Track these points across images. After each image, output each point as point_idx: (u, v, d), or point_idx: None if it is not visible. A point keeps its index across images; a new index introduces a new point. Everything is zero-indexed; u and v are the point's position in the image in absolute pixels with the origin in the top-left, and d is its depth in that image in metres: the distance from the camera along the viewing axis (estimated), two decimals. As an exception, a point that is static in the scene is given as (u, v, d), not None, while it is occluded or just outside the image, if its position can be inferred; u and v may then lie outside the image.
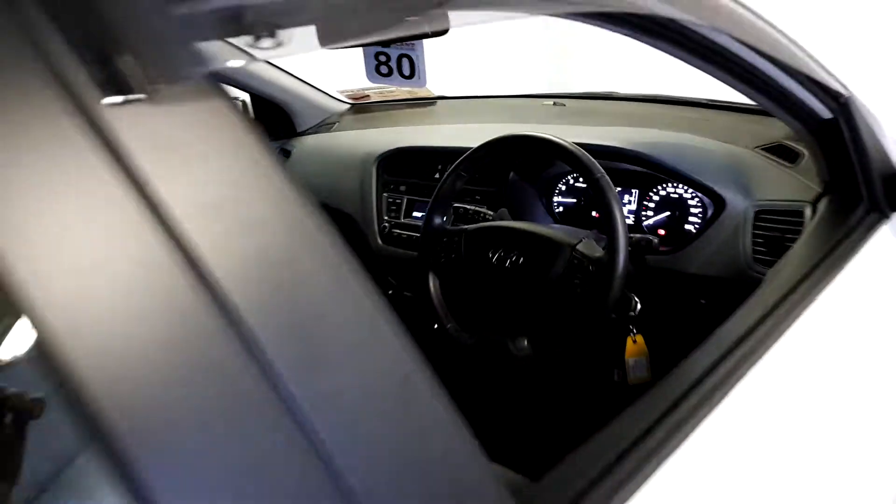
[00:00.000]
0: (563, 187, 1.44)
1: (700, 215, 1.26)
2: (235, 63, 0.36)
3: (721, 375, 0.63)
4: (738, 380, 0.63)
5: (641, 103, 1.61)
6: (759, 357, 0.67)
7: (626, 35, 0.81)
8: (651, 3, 0.72)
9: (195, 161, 0.32)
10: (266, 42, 0.37)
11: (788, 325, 0.73)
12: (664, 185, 1.31)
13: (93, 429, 0.27)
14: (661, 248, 1.23)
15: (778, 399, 0.68)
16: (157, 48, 0.32)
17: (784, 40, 0.89)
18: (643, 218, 1.33)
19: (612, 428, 0.56)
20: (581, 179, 1.39)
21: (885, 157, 1.04)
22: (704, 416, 0.58)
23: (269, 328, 0.33)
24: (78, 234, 0.29)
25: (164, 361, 0.29)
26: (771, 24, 0.87)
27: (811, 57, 0.93)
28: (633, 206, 1.34)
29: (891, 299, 0.97)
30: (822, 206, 1.07)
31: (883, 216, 1.04)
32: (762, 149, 1.25)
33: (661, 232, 1.31)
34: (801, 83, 0.94)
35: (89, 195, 0.30)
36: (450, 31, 0.57)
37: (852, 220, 1.01)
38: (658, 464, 0.53)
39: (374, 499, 0.34)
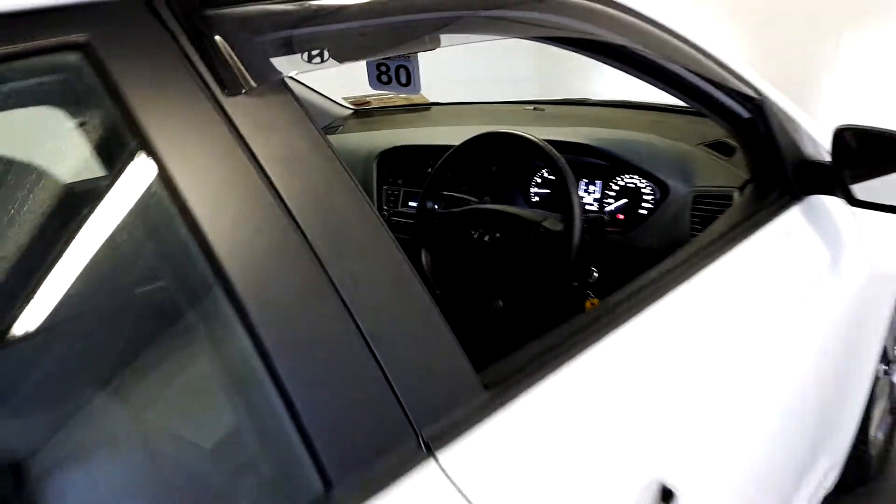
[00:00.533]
0: (539, 179, 1.67)
1: (651, 201, 1.49)
2: (294, 72, 0.59)
3: (630, 306, 0.85)
4: (641, 311, 0.85)
5: (609, 108, 1.85)
6: (662, 296, 0.89)
7: (589, 57, 1.05)
8: (603, 32, 0.96)
9: (279, 132, 0.55)
10: (314, 58, 0.59)
11: (691, 275, 0.95)
12: (622, 177, 1.54)
13: None
14: (617, 228, 1.46)
15: (672, 330, 0.89)
16: (253, 61, 0.55)
17: (706, 59, 1.11)
18: (605, 205, 1.56)
19: (543, 339, 0.77)
20: (552, 172, 1.62)
21: (796, 148, 1.26)
22: (608, 333, 0.80)
23: (327, 249, 0.55)
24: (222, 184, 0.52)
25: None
26: (697, 46, 1.10)
27: (729, 70, 1.16)
28: (598, 195, 1.57)
29: (785, 263, 1.18)
30: (747, 190, 1.30)
31: (795, 199, 1.26)
32: (705, 145, 1.48)
33: (620, 216, 1.54)
34: (722, 90, 1.17)
35: (222, 155, 0.52)
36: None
37: (768, 202, 1.23)
38: (567, 360, 0.73)
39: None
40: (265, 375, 0.51)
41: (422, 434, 0.58)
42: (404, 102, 2.19)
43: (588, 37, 0.96)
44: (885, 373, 1.83)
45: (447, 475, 0.59)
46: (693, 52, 1.08)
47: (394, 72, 1.17)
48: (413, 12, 0.73)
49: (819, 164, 1.24)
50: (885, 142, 1.16)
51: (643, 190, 1.50)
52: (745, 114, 1.22)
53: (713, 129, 1.52)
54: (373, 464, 0.55)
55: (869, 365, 1.51)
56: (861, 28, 3.32)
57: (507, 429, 0.64)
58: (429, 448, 0.59)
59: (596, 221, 1.33)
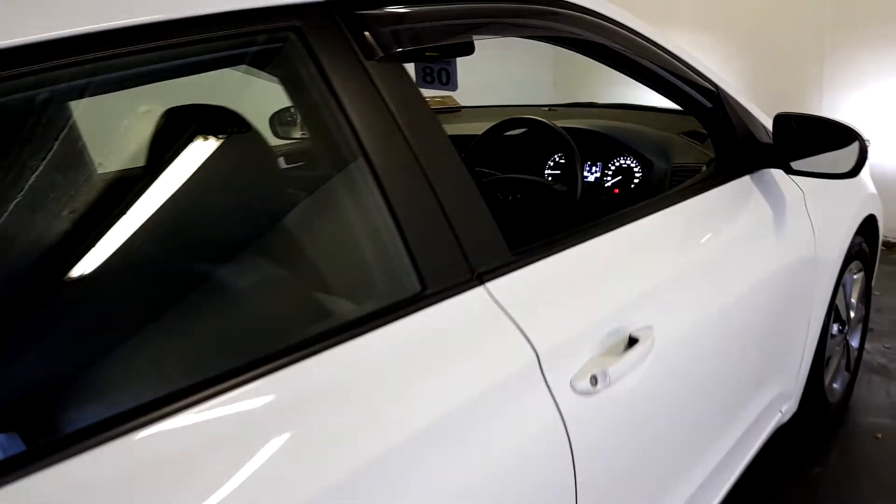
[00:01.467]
0: (551, 163, 2.06)
1: (639, 176, 1.87)
2: (400, 49, 0.98)
3: (617, 221, 1.23)
4: (624, 224, 1.23)
5: (611, 108, 2.24)
6: (642, 217, 1.27)
7: (597, 61, 1.44)
8: (606, 41, 1.34)
9: (394, 80, 0.95)
10: (412, 42, 0.99)
11: (664, 208, 1.33)
12: (617, 160, 1.93)
13: None
14: (614, 192, 1.84)
15: (646, 237, 1.27)
16: (380, 40, 0.94)
17: (677, 62, 1.50)
18: (605, 181, 1.95)
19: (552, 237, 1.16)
20: (561, 151, 2.01)
21: (747, 131, 1.64)
22: (601, 234, 1.18)
23: (421, 149, 0.95)
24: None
25: None
26: (671, 52, 1.49)
27: (693, 69, 1.54)
28: (598, 174, 1.96)
29: (735, 212, 1.54)
30: (712, 165, 1.68)
31: (748, 171, 1.63)
32: (683, 133, 1.87)
33: (616, 191, 1.93)
34: (691, 86, 1.56)
35: (364, 90, 0.92)
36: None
37: (726, 172, 1.61)
38: (562, 250, 1.11)
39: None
40: (390, 219, 0.90)
41: (476, 270, 0.97)
42: (440, 106, 2.60)
43: (596, 41, 1.35)
44: (840, 331, 2.19)
45: (491, 295, 0.97)
46: (668, 57, 1.47)
47: (437, 73, 1.58)
48: (470, 16, 1.13)
49: (765, 144, 1.62)
50: (811, 123, 1.54)
51: (633, 169, 1.89)
52: (707, 104, 1.60)
53: (691, 123, 1.92)
54: (447, 282, 0.94)
55: (815, 310, 1.86)
56: (842, 54, 3.70)
57: (523, 277, 1.02)
58: (480, 278, 0.97)
59: (593, 185, 1.72)
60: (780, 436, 2.09)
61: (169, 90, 0.96)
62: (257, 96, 1.26)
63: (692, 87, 1.55)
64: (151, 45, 0.75)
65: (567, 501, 1.00)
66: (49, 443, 0.62)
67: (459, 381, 0.89)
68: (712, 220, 1.46)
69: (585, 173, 1.96)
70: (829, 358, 2.14)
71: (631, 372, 1.08)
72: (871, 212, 2.18)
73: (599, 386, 1.02)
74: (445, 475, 0.84)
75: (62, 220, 0.93)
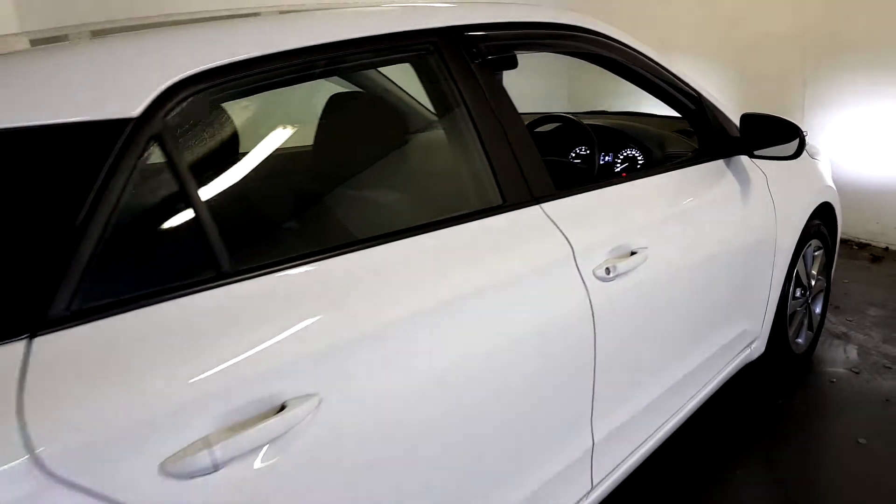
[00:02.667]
0: (573, 154, 2.63)
1: (641, 161, 2.44)
2: (491, 57, 1.55)
3: (616, 181, 1.80)
4: (625, 182, 1.80)
5: (620, 115, 2.82)
6: (637, 179, 1.84)
7: (615, 74, 2.02)
8: (617, 57, 1.92)
9: (489, 78, 1.53)
10: (497, 54, 1.56)
11: (654, 174, 1.90)
12: (624, 151, 2.50)
13: None
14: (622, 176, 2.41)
15: (640, 190, 1.84)
16: (479, 52, 1.52)
17: (666, 72, 2.07)
18: (616, 166, 2.52)
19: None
20: (585, 145, 2.57)
21: (721, 126, 2.19)
22: (609, 186, 1.75)
23: (504, 116, 1.53)
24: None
25: None
26: (661, 64, 2.06)
27: (679, 79, 2.11)
28: (610, 159, 2.53)
29: (710, 182, 2.10)
30: (696, 154, 2.24)
31: (723, 157, 2.19)
32: (676, 131, 2.44)
33: (624, 175, 2.49)
34: (679, 92, 2.13)
35: (470, 84, 1.50)
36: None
37: (704, 156, 2.17)
38: (588, 191, 1.68)
39: None
40: (486, 162, 1.47)
41: (534, 195, 1.53)
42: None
43: (611, 58, 1.92)
44: (802, 294, 2.73)
45: (544, 211, 1.53)
46: (664, 70, 2.05)
47: None
48: (527, 38, 1.70)
49: (734, 137, 2.18)
50: (767, 120, 2.11)
51: (637, 156, 2.46)
52: (692, 106, 2.17)
53: (681, 124, 2.49)
54: (516, 200, 1.50)
55: (776, 272, 2.41)
56: (822, 79, 4.28)
57: (564, 203, 1.58)
58: (536, 200, 1.53)
59: (605, 168, 2.29)
60: (754, 374, 2.63)
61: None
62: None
63: (680, 94, 2.12)
64: (362, 49, 1.33)
65: (589, 350, 1.55)
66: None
67: (524, 258, 1.45)
68: (694, 187, 2.03)
69: (600, 158, 2.53)
70: (793, 314, 2.68)
71: (631, 272, 1.64)
72: (827, 200, 2.73)
73: (611, 275, 1.57)
74: (511, 321, 1.38)
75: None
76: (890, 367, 2.79)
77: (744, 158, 2.24)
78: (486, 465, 1.38)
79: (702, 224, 1.99)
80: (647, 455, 1.92)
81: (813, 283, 2.80)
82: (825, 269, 2.91)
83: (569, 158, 2.60)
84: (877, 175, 4.14)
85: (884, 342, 3.01)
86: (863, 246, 4.22)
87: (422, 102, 2.02)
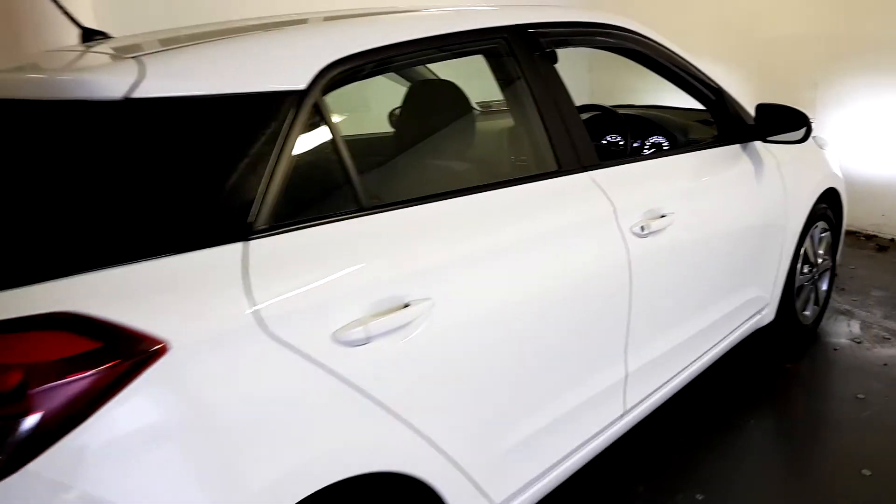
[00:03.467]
0: (605, 141, 2.97)
1: (666, 146, 2.78)
2: (543, 52, 1.89)
3: (647, 157, 2.13)
4: (650, 159, 2.14)
5: (645, 108, 3.16)
6: (659, 157, 2.17)
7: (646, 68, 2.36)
8: (641, 49, 2.26)
9: (546, 68, 1.87)
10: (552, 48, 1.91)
11: (680, 153, 2.24)
12: (651, 137, 2.84)
13: None
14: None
15: (667, 166, 2.18)
16: (538, 43, 1.87)
17: (693, 69, 2.41)
18: (643, 150, 2.85)
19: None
20: (617, 131, 2.90)
21: (738, 115, 2.52)
22: (639, 161, 2.09)
23: (565, 99, 1.88)
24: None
25: None
26: (687, 61, 2.40)
27: (702, 73, 2.45)
28: (638, 144, 2.87)
29: (727, 163, 2.43)
30: (715, 138, 2.57)
31: (738, 142, 2.52)
32: (698, 120, 2.77)
33: (654, 153, 2.82)
34: (702, 85, 2.46)
35: (517, 77, 1.84)
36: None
37: (723, 141, 2.50)
38: (626, 163, 2.02)
39: None
40: (546, 135, 1.81)
41: (583, 164, 1.87)
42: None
43: (644, 53, 2.26)
44: (809, 271, 3.04)
45: (591, 177, 1.87)
46: (689, 65, 2.38)
47: None
48: (574, 35, 2.05)
49: (750, 125, 2.51)
50: (779, 109, 2.43)
51: (662, 142, 2.79)
52: (713, 98, 2.50)
53: (701, 115, 2.82)
54: (568, 167, 1.84)
55: (785, 246, 2.73)
56: (833, 80, 4.59)
57: (608, 171, 1.92)
58: (584, 168, 1.87)
59: (635, 150, 2.63)
60: (764, 342, 2.95)
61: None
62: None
63: (703, 86, 2.45)
64: (458, 41, 1.68)
65: (626, 293, 1.88)
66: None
67: (578, 213, 1.79)
68: (714, 166, 2.36)
69: (631, 143, 2.87)
70: (800, 288, 2.99)
71: (661, 231, 1.97)
72: (833, 186, 3.04)
73: (645, 232, 1.91)
74: (565, 262, 1.71)
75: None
76: (889, 339, 3.11)
77: (758, 144, 2.57)
78: (544, 375, 1.72)
79: (720, 197, 2.33)
80: (671, 395, 2.25)
81: (819, 261, 3.11)
82: (831, 249, 3.22)
83: (604, 142, 2.95)
84: (884, 170, 4.44)
85: (885, 318, 3.31)
86: (870, 237, 4.52)
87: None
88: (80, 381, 0.99)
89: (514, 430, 1.66)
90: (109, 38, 1.77)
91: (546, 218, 1.71)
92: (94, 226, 1.12)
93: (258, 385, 1.16)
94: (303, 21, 1.68)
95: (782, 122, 2.47)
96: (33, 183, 1.17)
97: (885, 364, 2.88)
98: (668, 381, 2.20)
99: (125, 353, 1.03)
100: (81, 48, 1.66)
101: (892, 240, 4.45)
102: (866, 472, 2.22)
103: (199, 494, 1.10)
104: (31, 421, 0.97)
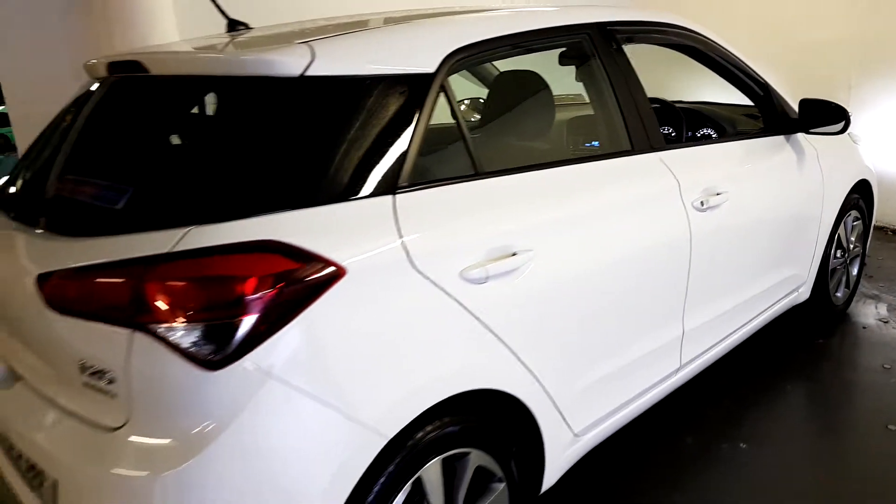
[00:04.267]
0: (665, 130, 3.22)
1: (716, 137, 3.03)
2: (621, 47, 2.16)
3: (707, 141, 2.40)
4: (709, 144, 2.40)
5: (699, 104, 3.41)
6: (715, 143, 2.43)
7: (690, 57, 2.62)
8: (697, 45, 2.52)
9: (622, 59, 2.14)
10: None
11: (733, 140, 2.49)
12: (702, 129, 3.09)
13: None
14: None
15: (718, 152, 2.44)
16: (615, 38, 2.13)
17: (745, 66, 2.66)
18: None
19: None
20: (672, 122, 3.16)
21: (783, 109, 2.77)
22: (694, 146, 2.35)
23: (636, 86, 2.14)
24: None
25: None
26: (739, 58, 2.65)
27: (752, 70, 2.70)
28: (690, 136, 3.12)
29: (773, 151, 2.69)
30: (761, 130, 2.82)
31: (782, 133, 2.77)
32: (744, 114, 3.02)
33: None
34: (751, 80, 2.71)
35: (594, 64, 2.11)
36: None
37: (769, 132, 2.75)
38: (686, 147, 2.28)
39: None
40: (620, 115, 2.08)
41: (652, 145, 2.14)
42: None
43: (700, 50, 2.52)
44: (842, 255, 3.28)
45: (659, 157, 2.13)
46: (741, 62, 2.64)
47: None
48: (639, 32, 2.31)
49: (794, 118, 2.76)
50: (820, 104, 2.68)
51: (712, 133, 3.04)
52: (761, 93, 2.75)
53: (747, 110, 3.07)
54: (639, 148, 2.11)
55: (822, 229, 2.97)
56: (866, 83, 4.80)
57: (673, 152, 2.18)
58: (653, 149, 2.13)
59: (689, 139, 2.89)
60: (799, 319, 3.19)
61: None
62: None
63: (752, 81, 2.71)
64: (554, 34, 1.96)
65: (686, 259, 2.15)
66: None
67: (648, 186, 2.06)
68: (762, 153, 2.62)
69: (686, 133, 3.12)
70: (833, 270, 3.23)
71: (717, 207, 2.23)
72: (865, 177, 3.28)
73: (704, 207, 2.17)
74: (638, 229, 1.98)
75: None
76: (914, 320, 3.34)
77: (800, 135, 2.82)
78: (617, 325, 1.99)
79: (767, 181, 2.58)
80: (718, 358, 2.51)
81: (851, 247, 3.35)
82: (861, 237, 3.45)
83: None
84: (912, 168, 4.66)
85: (911, 303, 3.55)
86: (895, 232, 4.74)
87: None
88: (284, 292, 1.28)
89: (590, 371, 1.92)
90: (250, 28, 2.06)
91: (623, 189, 1.98)
92: (288, 177, 1.40)
93: (404, 307, 1.44)
94: (419, 16, 1.95)
95: (823, 115, 2.71)
96: (241, 145, 1.45)
97: (911, 342, 3.12)
98: (716, 344, 2.46)
99: (316, 273, 1.31)
100: (228, 36, 1.95)
101: (919, 234, 4.67)
102: (892, 427, 2.46)
103: (360, 385, 1.37)
104: (248, 322, 1.25)
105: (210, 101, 1.68)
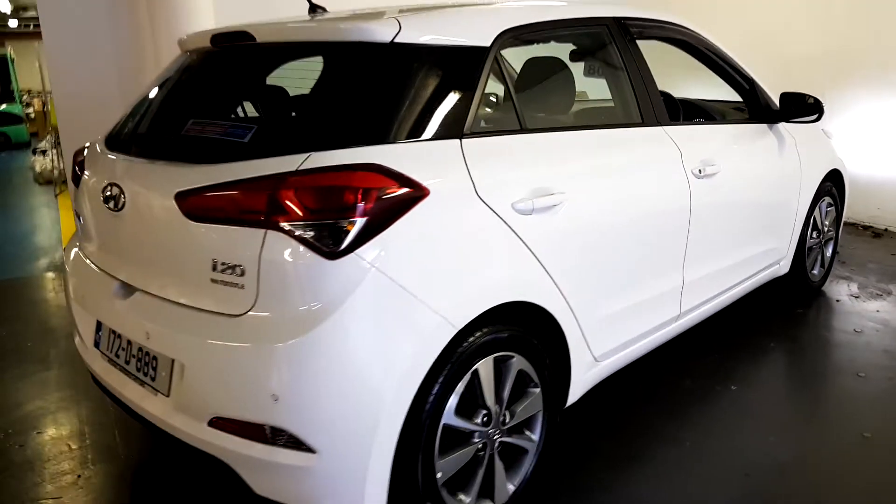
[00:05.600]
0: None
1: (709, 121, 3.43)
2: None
3: (702, 124, 2.79)
4: (704, 125, 2.80)
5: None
6: (706, 125, 2.83)
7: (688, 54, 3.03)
8: (690, 41, 2.93)
9: (635, 49, 2.54)
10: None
11: (719, 125, 2.90)
12: (697, 117, 3.49)
13: None
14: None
15: (706, 133, 2.84)
16: (629, 30, 2.53)
17: (733, 61, 3.08)
18: (686, 133, 3.51)
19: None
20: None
21: (766, 102, 3.18)
22: (685, 125, 2.75)
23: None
24: None
25: None
26: (727, 55, 3.07)
27: (739, 66, 3.11)
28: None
29: (755, 137, 3.09)
30: (749, 120, 3.23)
31: (765, 122, 3.18)
32: (732, 107, 3.44)
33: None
34: (738, 75, 3.13)
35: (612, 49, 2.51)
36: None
37: (754, 122, 3.16)
38: (686, 125, 2.68)
39: None
40: (634, 98, 2.47)
41: (659, 122, 2.53)
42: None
43: (692, 45, 2.93)
44: (817, 236, 3.69)
45: (665, 130, 2.53)
46: (730, 58, 3.05)
47: (597, 69, 3.15)
48: (646, 28, 2.72)
49: (775, 109, 3.17)
50: (798, 97, 3.10)
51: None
52: (747, 87, 3.16)
53: (733, 104, 3.49)
54: (647, 122, 2.50)
55: (799, 209, 3.38)
56: (837, 92, 5.27)
57: (675, 128, 2.57)
58: (659, 123, 2.53)
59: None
60: (780, 292, 3.59)
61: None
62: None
63: (740, 76, 3.12)
64: (582, 23, 2.35)
65: (686, 218, 2.53)
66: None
67: (655, 153, 2.44)
68: (749, 136, 3.03)
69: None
70: (810, 249, 3.64)
71: (713, 176, 2.62)
72: (837, 167, 3.70)
73: (701, 174, 2.56)
74: (648, 187, 2.36)
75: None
76: (881, 295, 3.76)
77: (781, 126, 3.23)
78: (632, 266, 2.35)
79: (753, 160, 2.99)
80: (710, 314, 2.88)
81: (825, 230, 3.76)
82: (835, 223, 3.87)
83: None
84: (880, 170, 5.12)
85: (878, 282, 3.97)
86: (867, 227, 5.19)
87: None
88: (384, 203, 1.63)
89: (609, 303, 2.29)
90: (327, 11, 2.42)
91: (636, 151, 2.37)
92: (380, 119, 1.75)
93: (471, 226, 1.80)
94: (475, 4, 2.33)
95: (801, 106, 3.13)
96: (345, 93, 1.81)
97: (878, 311, 3.53)
98: (709, 300, 2.84)
99: (408, 191, 1.67)
100: (309, 18, 2.31)
101: (886, 229, 5.12)
102: (861, 374, 2.85)
103: (437, 284, 1.71)
104: (358, 223, 1.60)
105: (305, 66, 2.04)
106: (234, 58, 2.13)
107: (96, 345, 2.14)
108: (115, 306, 2.00)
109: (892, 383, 2.78)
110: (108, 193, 1.97)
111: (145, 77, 4.64)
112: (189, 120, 1.98)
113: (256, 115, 2.24)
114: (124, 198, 1.92)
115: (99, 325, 2.12)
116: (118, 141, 2.18)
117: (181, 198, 1.74)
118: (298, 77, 2.18)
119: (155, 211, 1.85)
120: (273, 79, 2.27)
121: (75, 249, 2.34)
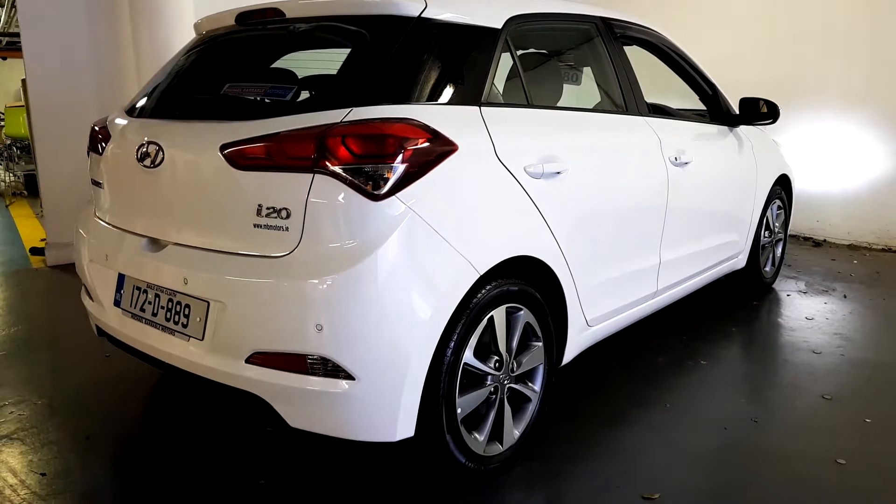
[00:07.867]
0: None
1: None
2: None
3: (672, 119, 3.08)
4: (674, 120, 3.08)
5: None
6: (677, 120, 3.13)
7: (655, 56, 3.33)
8: (659, 44, 3.23)
9: (618, 48, 2.81)
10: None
11: (683, 120, 3.19)
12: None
13: None
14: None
15: (670, 127, 3.13)
16: (613, 31, 2.80)
17: (698, 67, 3.39)
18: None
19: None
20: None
21: (727, 108, 3.51)
22: (670, 119, 3.03)
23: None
24: None
25: None
26: (693, 61, 3.38)
27: (703, 73, 3.43)
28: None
29: (714, 137, 3.41)
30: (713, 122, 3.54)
31: (726, 125, 3.50)
32: (695, 114, 3.76)
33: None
34: (703, 80, 3.44)
35: (601, 49, 2.78)
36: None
37: (717, 123, 3.47)
38: (662, 118, 2.96)
39: None
40: (619, 89, 2.73)
41: (642, 114, 2.79)
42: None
43: (661, 48, 3.23)
44: (769, 236, 4.02)
45: (646, 121, 2.79)
46: (696, 65, 3.36)
47: (572, 75, 3.43)
48: (625, 30, 3.00)
49: (735, 114, 3.50)
50: (756, 102, 3.43)
51: (670, 127, 3.75)
52: (710, 93, 3.48)
53: (702, 111, 3.81)
54: (633, 112, 2.76)
55: (755, 208, 3.70)
56: (784, 112, 5.71)
57: (655, 119, 2.85)
58: (641, 114, 2.79)
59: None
60: (737, 287, 3.89)
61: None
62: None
63: (704, 82, 3.43)
64: (580, 19, 2.61)
65: (664, 200, 2.78)
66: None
67: (639, 138, 2.70)
68: (713, 134, 3.33)
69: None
70: (764, 247, 3.97)
71: (686, 164, 2.89)
72: (786, 172, 4.06)
73: (677, 161, 2.83)
74: (633, 169, 2.61)
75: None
76: (826, 291, 4.11)
77: (740, 129, 3.56)
78: (620, 238, 2.58)
79: (717, 155, 3.29)
80: (680, 297, 3.13)
81: (776, 231, 4.10)
82: (784, 225, 4.22)
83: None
84: (818, 188, 5.57)
85: (822, 281, 4.33)
86: (807, 238, 5.62)
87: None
88: (420, 152, 1.80)
89: (600, 272, 2.50)
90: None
91: (623, 135, 2.62)
92: (412, 82, 1.94)
93: (490, 182, 1.99)
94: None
95: (759, 110, 3.46)
96: (380, 60, 1.99)
97: (826, 303, 3.86)
98: (679, 282, 3.09)
99: (440, 144, 1.85)
100: None
101: (825, 240, 5.56)
102: (817, 351, 3.14)
103: (464, 231, 1.87)
104: (400, 168, 1.77)
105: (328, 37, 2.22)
106: (262, 34, 2.29)
107: (116, 303, 2.22)
108: (145, 260, 2.08)
109: (844, 358, 3.07)
110: (144, 150, 2.07)
111: (127, 85, 4.73)
112: (225, 84, 2.12)
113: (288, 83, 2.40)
114: (162, 154, 2.04)
115: (120, 285, 2.20)
116: (143, 110, 2.29)
117: (227, 148, 1.87)
118: (313, 59, 2.35)
119: (197, 164, 1.97)
120: (290, 60, 2.43)
121: (90, 218, 2.42)
